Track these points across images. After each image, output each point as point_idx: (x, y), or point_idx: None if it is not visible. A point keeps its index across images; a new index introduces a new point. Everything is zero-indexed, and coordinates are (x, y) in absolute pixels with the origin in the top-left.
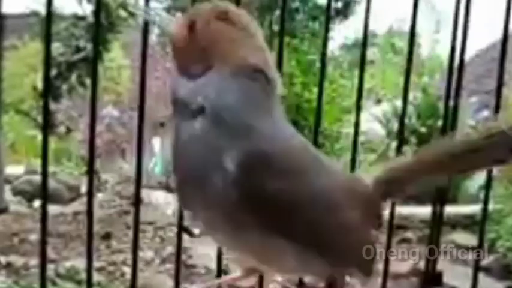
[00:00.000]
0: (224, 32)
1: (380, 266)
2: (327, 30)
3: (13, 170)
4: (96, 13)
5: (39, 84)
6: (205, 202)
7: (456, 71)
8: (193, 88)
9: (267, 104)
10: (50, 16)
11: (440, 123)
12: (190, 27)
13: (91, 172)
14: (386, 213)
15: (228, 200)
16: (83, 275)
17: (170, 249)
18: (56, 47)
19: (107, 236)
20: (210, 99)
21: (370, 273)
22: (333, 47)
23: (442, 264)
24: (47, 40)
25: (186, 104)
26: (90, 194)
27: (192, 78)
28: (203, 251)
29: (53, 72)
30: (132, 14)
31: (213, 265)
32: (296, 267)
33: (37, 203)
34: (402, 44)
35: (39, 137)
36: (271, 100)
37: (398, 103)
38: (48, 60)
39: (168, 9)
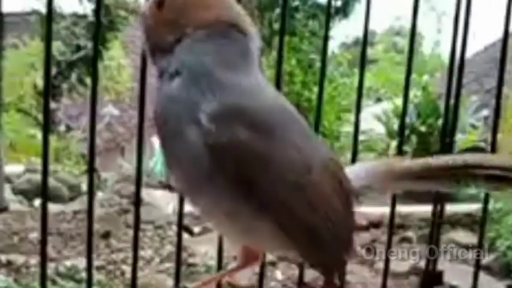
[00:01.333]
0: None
1: (380, 265)
2: (327, 29)
3: (13, 168)
4: (97, 12)
5: (39, 83)
6: (182, 159)
7: (457, 70)
8: (170, 56)
9: (244, 59)
10: (50, 15)
11: (440, 122)
12: (159, 4)
13: (91, 171)
14: (386, 212)
15: (201, 153)
16: (83, 274)
17: (170, 248)
18: (56, 45)
19: (106, 235)
20: (185, 61)
21: (341, 269)
22: (332, 45)
23: (442, 263)
24: (48, 39)
25: (164, 71)
26: (90, 193)
27: (168, 51)
28: (203, 249)
29: (53, 71)
30: (132, 13)
31: (213, 263)
32: (270, 244)
33: (37, 202)
34: (403, 42)
35: (39, 135)
36: (248, 55)
37: (399, 102)
38: (48, 59)
39: None
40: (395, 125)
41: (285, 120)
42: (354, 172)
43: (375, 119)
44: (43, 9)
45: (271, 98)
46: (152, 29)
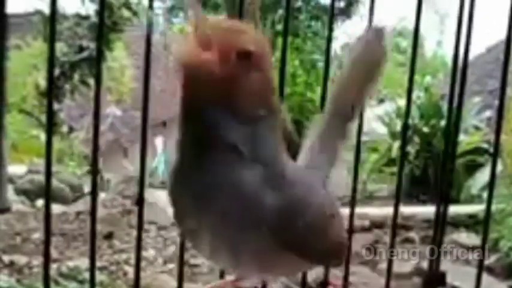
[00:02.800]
0: (272, 78)
1: (383, 266)
2: (330, 29)
3: (16, 169)
4: (100, 13)
5: (42, 84)
6: (234, 242)
7: (460, 71)
8: (249, 134)
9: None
10: (54, 15)
11: (443, 122)
12: (243, 55)
13: (94, 172)
14: (389, 212)
15: (261, 241)
16: (86, 275)
17: (173, 248)
18: (59, 46)
19: (109, 236)
20: (267, 154)
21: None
22: (335, 46)
23: (445, 264)
24: (51, 40)
25: (237, 148)
26: (93, 194)
27: (235, 117)
28: None
29: (56, 71)
30: (135, 14)
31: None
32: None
33: (40, 203)
34: (405, 43)
35: (42, 136)
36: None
37: (401, 103)
38: (52, 59)
39: (171, 9)
40: (398, 126)
41: (316, 188)
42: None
43: (377, 119)
44: (46, 10)
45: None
46: (228, 81)
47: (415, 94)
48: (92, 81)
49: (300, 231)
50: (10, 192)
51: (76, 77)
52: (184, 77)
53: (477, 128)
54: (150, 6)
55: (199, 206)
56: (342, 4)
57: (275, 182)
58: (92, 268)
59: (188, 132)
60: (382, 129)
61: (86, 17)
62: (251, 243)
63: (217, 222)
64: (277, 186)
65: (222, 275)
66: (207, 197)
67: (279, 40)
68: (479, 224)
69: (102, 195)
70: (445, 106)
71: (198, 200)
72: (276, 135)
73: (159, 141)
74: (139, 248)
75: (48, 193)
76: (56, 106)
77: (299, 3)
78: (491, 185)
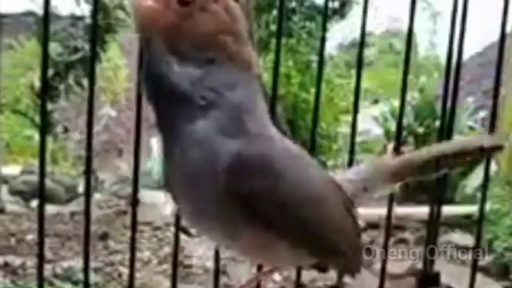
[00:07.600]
0: (225, 21)
1: (378, 266)
2: (324, 30)
3: (10, 170)
4: (94, 14)
5: (36, 84)
6: (203, 204)
7: (453, 71)
8: (199, 79)
9: (262, 103)
10: (47, 16)
11: (437, 123)
12: (183, 2)
13: (88, 172)
14: (383, 213)
15: (219, 199)
16: (80, 275)
17: (167, 249)
18: (54, 47)
19: (104, 237)
20: (227, 98)
21: (359, 269)
22: (329, 47)
23: (439, 264)
24: (45, 40)
25: (189, 97)
26: (87, 194)
27: (184, 62)
28: (200, 250)
29: (50, 72)
30: (129, 15)
31: (211, 265)
32: (287, 261)
33: (34, 203)
34: (400, 44)
35: (36, 136)
36: (262, 100)
37: (396, 103)
38: (46, 60)
39: None
40: (393, 127)
41: (295, 158)
42: (348, 178)
43: (372, 120)
44: (39, 11)
45: (279, 137)
46: (169, 28)
47: (409, 95)
48: (86, 82)
49: (262, 194)
50: (4, 193)
51: (71, 77)
52: (137, 27)
53: (471, 129)
54: None
55: (172, 169)
56: (336, 4)
57: (233, 129)
58: (86, 269)
59: (148, 82)
60: (377, 130)
61: (81, 18)
62: (211, 202)
63: (184, 183)
64: (235, 134)
65: (216, 276)
66: (174, 157)
67: (273, 41)
68: (474, 224)
69: (96, 196)
70: (439, 106)
71: (169, 161)
72: (243, 87)
73: (154, 142)
74: (133, 248)
75: (42, 194)
76: (50, 106)
77: (293, 4)
78: (484, 185)
